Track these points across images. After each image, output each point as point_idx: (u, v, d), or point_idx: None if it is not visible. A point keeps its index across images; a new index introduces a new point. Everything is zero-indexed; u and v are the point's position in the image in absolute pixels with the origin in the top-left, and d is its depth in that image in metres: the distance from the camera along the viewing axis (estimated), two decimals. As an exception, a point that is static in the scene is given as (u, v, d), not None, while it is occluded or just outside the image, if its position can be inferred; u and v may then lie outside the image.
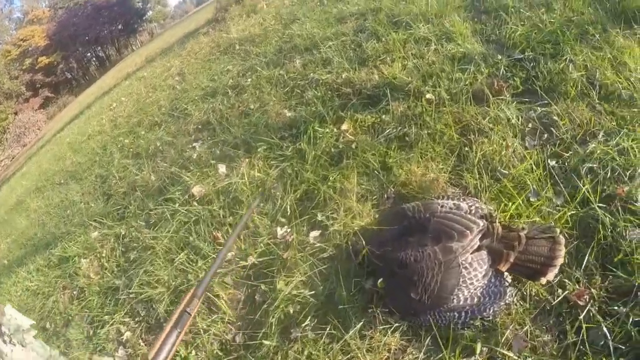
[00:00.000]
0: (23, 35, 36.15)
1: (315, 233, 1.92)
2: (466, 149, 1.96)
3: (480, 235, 1.51)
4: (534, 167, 1.74)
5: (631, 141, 1.66)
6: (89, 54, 36.18)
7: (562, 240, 1.47)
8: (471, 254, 1.47)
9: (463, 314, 1.46)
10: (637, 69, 1.95)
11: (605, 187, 1.58)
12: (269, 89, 3.27)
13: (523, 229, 1.54)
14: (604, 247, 1.45)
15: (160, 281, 2.25)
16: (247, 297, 1.91)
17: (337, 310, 1.61)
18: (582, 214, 1.55)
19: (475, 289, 1.46)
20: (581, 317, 1.31)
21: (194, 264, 2.16)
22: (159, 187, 3.09)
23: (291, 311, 1.70)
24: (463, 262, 1.45)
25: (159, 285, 2.24)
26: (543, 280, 1.41)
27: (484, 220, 1.56)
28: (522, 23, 2.55)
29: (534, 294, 1.46)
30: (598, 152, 1.68)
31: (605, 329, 1.27)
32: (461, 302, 1.45)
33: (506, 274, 1.50)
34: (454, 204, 1.64)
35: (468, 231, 1.49)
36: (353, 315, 1.56)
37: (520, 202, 1.64)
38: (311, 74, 3.10)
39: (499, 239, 1.52)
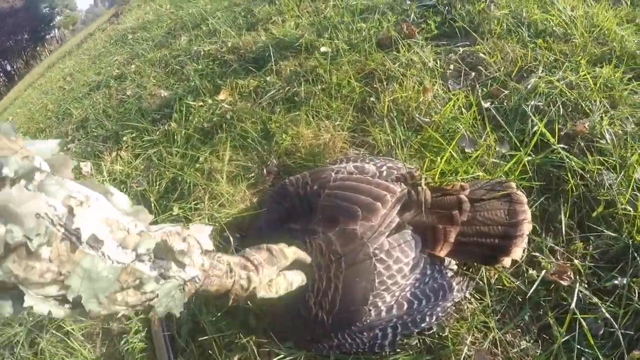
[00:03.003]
0: None
1: (174, 235, 1.44)
2: (372, 99, 1.56)
3: (399, 207, 1.03)
4: (464, 110, 1.38)
5: (579, 74, 1.35)
6: (-6, 69, 32.17)
7: (523, 197, 1.04)
8: (388, 237, 0.99)
9: (389, 330, 0.96)
10: (566, 7, 1.68)
11: (560, 126, 1.24)
12: (149, 72, 2.75)
13: (463, 188, 1.07)
14: (576, 200, 1.10)
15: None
16: (104, 331, 1.41)
17: (203, 344, 1.15)
18: (539, 161, 1.19)
19: (402, 291, 0.97)
20: (572, 305, 0.92)
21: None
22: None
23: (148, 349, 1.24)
24: (376, 251, 0.96)
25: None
26: (506, 262, 0.96)
27: (403, 184, 1.09)
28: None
29: (494, 281, 1.03)
30: (542, 86, 1.36)
31: (606, 312, 0.90)
32: (383, 314, 0.96)
33: (448, 259, 1.03)
34: (354, 166, 1.16)
35: (378, 203, 1.00)
36: (225, 348, 1.10)
37: (452, 152, 1.22)
38: (195, 47, 2.62)
39: (429, 209, 1.05)
